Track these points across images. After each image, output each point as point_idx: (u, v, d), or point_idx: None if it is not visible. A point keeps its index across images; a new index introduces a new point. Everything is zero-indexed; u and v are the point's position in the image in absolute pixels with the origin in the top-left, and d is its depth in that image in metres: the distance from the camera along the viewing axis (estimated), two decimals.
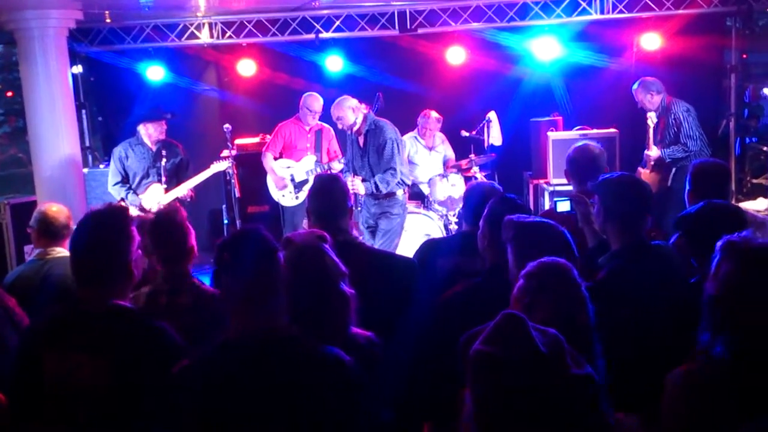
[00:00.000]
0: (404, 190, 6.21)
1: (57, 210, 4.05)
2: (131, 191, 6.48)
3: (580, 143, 4.27)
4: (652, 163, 6.50)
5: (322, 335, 2.32)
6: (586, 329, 2.11)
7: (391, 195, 6.01)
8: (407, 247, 6.44)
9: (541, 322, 1.83)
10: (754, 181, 7.77)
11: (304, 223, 4.92)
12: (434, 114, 7.85)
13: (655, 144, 6.51)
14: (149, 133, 6.50)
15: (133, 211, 4.06)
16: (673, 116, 6.59)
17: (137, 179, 6.51)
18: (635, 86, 6.83)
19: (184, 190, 6.53)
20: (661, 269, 2.99)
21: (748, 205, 6.31)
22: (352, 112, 5.97)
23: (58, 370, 2.36)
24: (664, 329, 2.72)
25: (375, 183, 5.91)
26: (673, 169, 6.51)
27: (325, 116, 7.15)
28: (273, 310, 2.22)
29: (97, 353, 2.36)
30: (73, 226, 4.17)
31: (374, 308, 2.87)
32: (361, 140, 6.09)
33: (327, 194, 3.46)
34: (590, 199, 3.44)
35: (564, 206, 3.59)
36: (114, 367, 2.34)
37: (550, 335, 1.76)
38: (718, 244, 2.15)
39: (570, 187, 6.06)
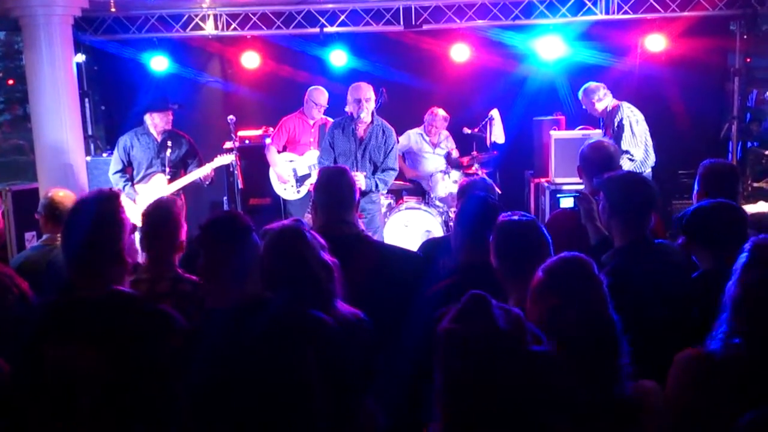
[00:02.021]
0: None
1: (63, 195, 4.05)
2: (129, 183, 6.46)
3: (593, 140, 4.14)
4: None
5: (308, 306, 2.39)
6: (613, 325, 2.11)
7: (367, 192, 5.71)
8: (409, 242, 6.45)
9: (571, 322, 1.94)
10: (755, 184, 7.78)
11: (307, 216, 4.87)
12: (441, 112, 7.90)
13: None
14: (155, 123, 6.48)
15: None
16: (616, 123, 6.48)
17: (142, 169, 6.49)
18: (580, 93, 6.79)
19: (186, 181, 6.51)
20: (664, 267, 3.00)
21: (749, 209, 6.32)
22: (373, 102, 5.81)
23: (58, 359, 2.31)
24: (667, 325, 2.74)
25: (376, 182, 5.71)
26: None
27: (330, 110, 7.16)
28: (249, 281, 2.33)
29: (97, 340, 2.31)
30: None
31: (380, 301, 2.90)
32: (360, 133, 5.77)
33: (333, 187, 3.45)
34: (595, 196, 3.45)
35: (567, 203, 3.61)
36: (115, 354, 2.30)
37: (512, 314, 1.83)
38: (746, 245, 2.19)
39: (572, 186, 6.11)
